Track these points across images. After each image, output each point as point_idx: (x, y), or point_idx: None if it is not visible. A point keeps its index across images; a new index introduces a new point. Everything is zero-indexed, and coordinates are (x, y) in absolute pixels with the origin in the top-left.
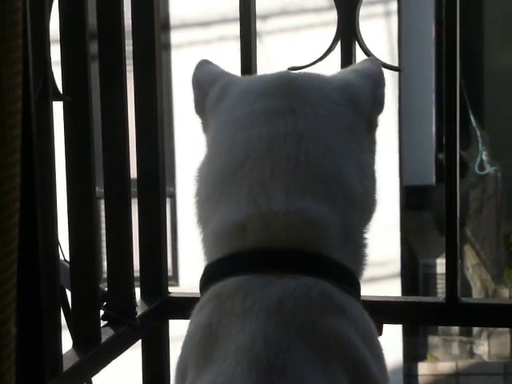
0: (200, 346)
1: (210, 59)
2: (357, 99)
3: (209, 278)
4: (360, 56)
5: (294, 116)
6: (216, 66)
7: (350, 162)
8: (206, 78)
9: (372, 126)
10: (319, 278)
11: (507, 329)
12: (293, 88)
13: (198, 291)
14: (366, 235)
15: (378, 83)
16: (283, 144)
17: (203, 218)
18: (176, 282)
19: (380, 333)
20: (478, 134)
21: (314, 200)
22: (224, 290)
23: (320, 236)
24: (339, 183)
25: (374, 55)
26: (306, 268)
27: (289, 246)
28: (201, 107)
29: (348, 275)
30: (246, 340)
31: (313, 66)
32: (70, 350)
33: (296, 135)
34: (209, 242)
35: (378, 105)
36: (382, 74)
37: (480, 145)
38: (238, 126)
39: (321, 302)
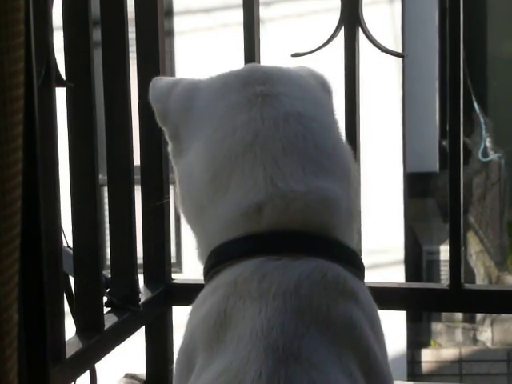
0: (214, 330)
1: (212, 46)
2: (326, 85)
3: (220, 259)
4: (363, 42)
5: (287, 98)
6: (168, 78)
7: (340, 141)
8: (161, 90)
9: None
10: (332, 261)
11: (511, 315)
12: (273, 76)
13: (203, 276)
14: (359, 209)
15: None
16: (287, 123)
17: (204, 204)
18: (179, 269)
19: None
20: (482, 120)
21: (327, 179)
22: (240, 275)
23: (333, 217)
24: (340, 161)
25: (377, 41)
26: (321, 250)
27: (304, 228)
28: (163, 118)
29: (355, 257)
30: (262, 325)
31: (316, 52)
32: (73, 337)
33: (296, 115)
34: (214, 225)
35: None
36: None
37: (483, 132)
38: (234, 110)
39: (336, 287)
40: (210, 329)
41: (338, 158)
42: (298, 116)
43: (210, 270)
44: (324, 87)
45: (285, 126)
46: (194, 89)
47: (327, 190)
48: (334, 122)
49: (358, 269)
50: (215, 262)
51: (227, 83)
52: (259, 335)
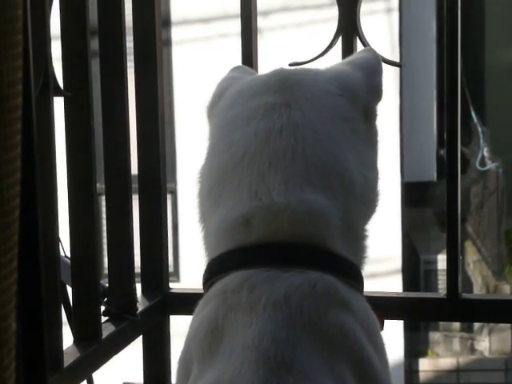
0: (206, 341)
1: (210, 56)
2: (349, 88)
3: (213, 272)
4: None
5: (288, 109)
6: (240, 71)
7: (347, 150)
8: (218, 84)
9: (370, 115)
10: (324, 271)
11: (508, 325)
12: (287, 83)
13: (200, 287)
14: (367, 227)
15: (373, 71)
16: (279, 137)
17: (205, 215)
18: (177, 278)
19: (382, 328)
20: (480, 130)
21: (314, 191)
22: (229, 285)
23: (323, 228)
24: (338, 173)
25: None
26: (311, 262)
27: (293, 240)
28: (207, 112)
29: (351, 268)
30: (253, 336)
31: (314, 62)
32: (70, 346)
33: (292, 127)
34: (211, 238)
35: (373, 92)
36: (377, 62)
37: (481, 141)
38: (235, 123)
39: (326, 297)
40: (203, 340)
41: (334, 168)
42: (293, 128)
43: (206, 283)
44: (345, 92)
45: (276, 140)
46: (226, 87)
47: (312, 202)
48: (344, 132)
49: (354, 279)
50: (209, 274)
51: (241, 92)
52: (250, 346)
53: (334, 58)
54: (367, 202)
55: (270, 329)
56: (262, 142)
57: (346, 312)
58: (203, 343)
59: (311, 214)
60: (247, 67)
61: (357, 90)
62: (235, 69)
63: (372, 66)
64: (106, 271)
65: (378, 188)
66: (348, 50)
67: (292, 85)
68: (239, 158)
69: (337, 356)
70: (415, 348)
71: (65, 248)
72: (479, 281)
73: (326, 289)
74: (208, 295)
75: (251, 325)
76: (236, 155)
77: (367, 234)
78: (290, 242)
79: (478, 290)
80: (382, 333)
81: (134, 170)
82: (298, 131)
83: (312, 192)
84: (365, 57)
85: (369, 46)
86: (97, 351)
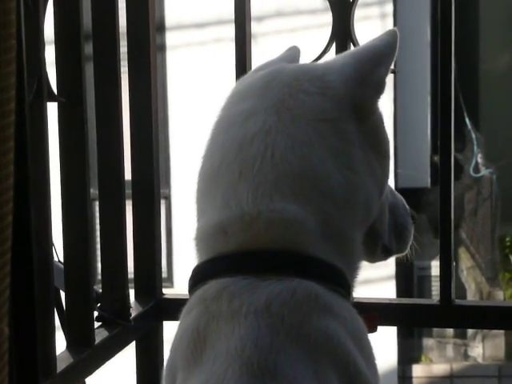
0: (189, 350)
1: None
2: (332, 86)
3: (194, 281)
4: None
5: (264, 115)
6: (286, 55)
7: (325, 154)
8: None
9: (363, 113)
10: (303, 277)
11: (502, 331)
12: (270, 86)
13: None
14: (356, 232)
15: (376, 62)
16: (250, 145)
17: (196, 223)
18: (171, 284)
19: (374, 329)
20: (473, 136)
21: (284, 199)
22: (208, 293)
23: (299, 235)
24: (311, 178)
25: None
26: (289, 268)
27: (270, 247)
28: None
29: (334, 273)
30: (236, 343)
31: None
32: (63, 351)
33: (264, 133)
34: (196, 246)
35: (369, 87)
36: (384, 51)
37: (475, 147)
38: (220, 129)
39: (307, 303)
40: (186, 349)
41: (306, 174)
42: (265, 134)
43: (190, 291)
44: (326, 90)
45: (247, 148)
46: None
47: (282, 211)
48: (322, 134)
49: (337, 284)
50: (193, 282)
51: (233, 95)
52: (233, 354)
53: None
54: (353, 206)
55: (252, 336)
56: (236, 151)
57: (329, 317)
58: (187, 352)
59: (284, 222)
60: (297, 49)
61: (341, 88)
62: (287, 50)
63: (375, 57)
64: (99, 276)
65: (370, 190)
66: None
67: (274, 88)
68: (216, 168)
69: (322, 361)
70: (409, 354)
71: (58, 253)
72: (473, 287)
73: (306, 295)
74: (189, 303)
75: (233, 333)
76: (214, 165)
77: (355, 237)
78: (267, 249)
79: (471, 297)
80: (375, 338)
81: (128, 175)
82: (270, 137)
83: (281, 200)
84: (373, 45)
85: None
86: (90, 356)
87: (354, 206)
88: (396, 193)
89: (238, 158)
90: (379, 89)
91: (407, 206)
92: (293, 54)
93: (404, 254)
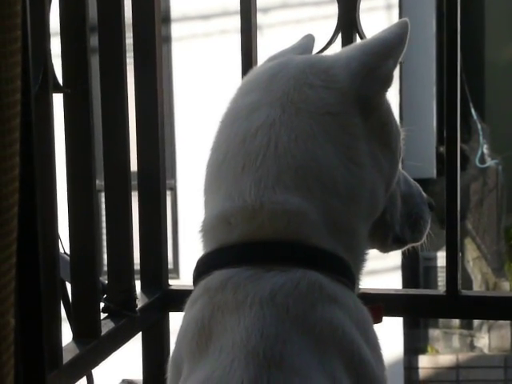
0: (194, 341)
1: (210, 53)
2: (338, 79)
3: (199, 272)
4: None
5: (269, 108)
6: (299, 45)
7: (329, 147)
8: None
9: (369, 105)
10: (307, 268)
11: (508, 322)
12: (276, 78)
13: None
14: (360, 224)
15: (383, 55)
16: (254, 138)
17: (202, 215)
18: (177, 275)
19: (379, 320)
20: (479, 127)
21: (286, 192)
22: (212, 284)
23: (302, 226)
24: (314, 171)
25: None
26: (293, 259)
27: (273, 238)
28: None
29: (338, 263)
30: (241, 334)
31: None
32: (69, 343)
33: (267, 126)
34: (201, 237)
35: (375, 81)
36: (392, 43)
37: (481, 138)
38: (226, 122)
39: (312, 294)
40: (191, 340)
41: (309, 166)
42: (269, 127)
43: (195, 282)
44: (331, 84)
45: (251, 141)
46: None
47: (284, 203)
48: (327, 128)
49: (342, 274)
50: (197, 273)
51: (241, 87)
52: (239, 344)
53: None
54: (357, 200)
55: (257, 326)
56: (240, 144)
57: (333, 307)
58: (192, 343)
59: (287, 214)
60: (312, 37)
61: (346, 82)
62: (303, 38)
63: (384, 50)
64: (105, 268)
65: (376, 184)
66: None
67: (279, 80)
68: (221, 161)
69: (327, 351)
70: (415, 345)
71: (64, 245)
72: (479, 278)
73: (310, 286)
74: (194, 294)
75: (239, 324)
76: (219, 158)
77: (360, 230)
78: (271, 240)
79: (477, 287)
80: (381, 328)
81: (134, 166)
82: (274, 130)
83: (284, 192)
84: (382, 38)
85: None
86: (96, 348)
87: (359, 199)
88: (412, 181)
89: (241, 151)
90: (387, 82)
91: (424, 194)
92: (307, 43)
93: (420, 243)
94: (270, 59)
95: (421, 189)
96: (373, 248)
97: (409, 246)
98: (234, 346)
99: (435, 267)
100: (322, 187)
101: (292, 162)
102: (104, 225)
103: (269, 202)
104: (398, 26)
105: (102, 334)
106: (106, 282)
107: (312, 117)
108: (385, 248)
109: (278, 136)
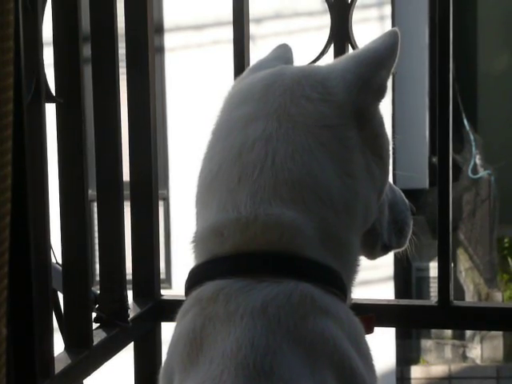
0: (185, 352)
1: (203, 63)
2: (334, 91)
3: (191, 282)
4: None
5: (265, 121)
6: (275, 54)
7: (325, 161)
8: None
9: (364, 116)
10: (299, 279)
11: (500, 332)
12: (271, 89)
13: None
14: (354, 236)
15: (376, 65)
16: (251, 151)
17: (194, 227)
18: (169, 285)
19: (371, 331)
20: (472, 137)
21: (283, 205)
22: (204, 294)
23: (295, 238)
24: (310, 186)
25: None
26: (285, 270)
27: (266, 249)
28: None
29: (330, 275)
30: (232, 345)
31: None
32: (61, 353)
33: (264, 140)
34: (193, 248)
35: (370, 92)
36: (384, 54)
37: (473, 148)
38: (220, 134)
39: (303, 305)
40: (183, 351)
41: (305, 181)
42: (265, 141)
43: (186, 293)
44: (327, 96)
45: (247, 154)
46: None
47: (280, 216)
48: (324, 141)
49: (334, 286)
50: (189, 284)
51: (233, 97)
52: (229, 355)
53: None
54: (352, 213)
55: (248, 337)
56: (235, 157)
57: (325, 319)
58: (183, 354)
59: (280, 226)
60: (289, 47)
61: (342, 95)
62: (278, 47)
63: (375, 61)
64: (97, 278)
65: (370, 197)
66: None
67: (275, 92)
68: (215, 173)
69: (318, 362)
70: (407, 355)
71: (56, 255)
72: (471, 288)
73: (302, 298)
74: (185, 305)
75: (229, 335)
76: (213, 170)
77: (354, 242)
78: (263, 251)
79: (469, 298)
80: (374, 339)
81: (126, 176)
82: (271, 144)
83: (280, 205)
84: (374, 48)
85: None
86: (88, 358)
87: (353, 212)
88: (395, 188)
89: (237, 164)
90: (381, 92)
91: (406, 200)
92: (285, 53)
93: (403, 248)
94: (253, 69)
95: (403, 194)
96: (360, 255)
97: (393, 251)
98: (224, 357)
99: (427, 277)
100: (317, 201)
101: (289, 176)
102: (96, 235)
103: (263, 215)
104: (388, 36)
105: (94, 343)
106: (98, 291)
107: (309, 130)
108: (373, 255)
109: (275, 150)
